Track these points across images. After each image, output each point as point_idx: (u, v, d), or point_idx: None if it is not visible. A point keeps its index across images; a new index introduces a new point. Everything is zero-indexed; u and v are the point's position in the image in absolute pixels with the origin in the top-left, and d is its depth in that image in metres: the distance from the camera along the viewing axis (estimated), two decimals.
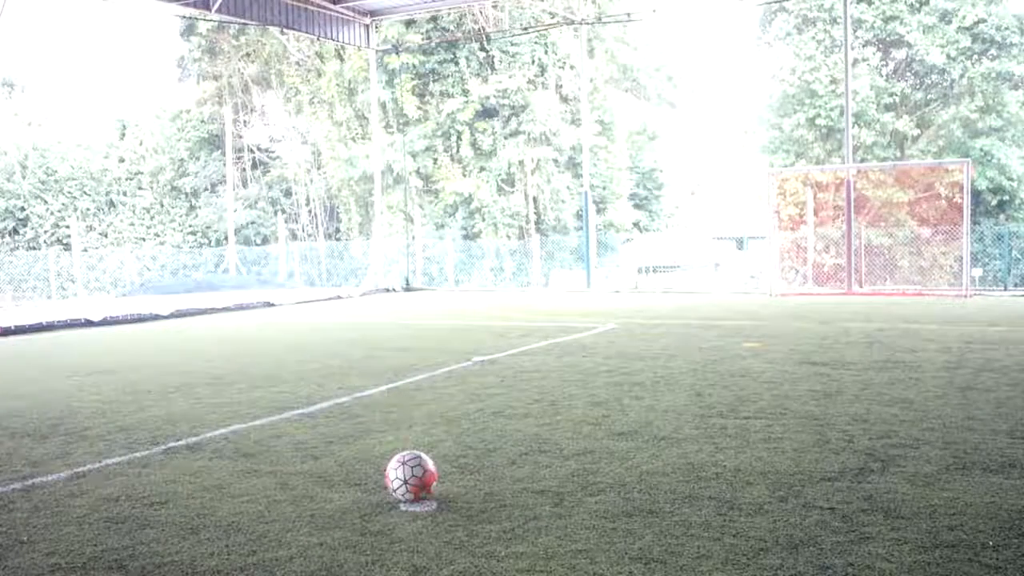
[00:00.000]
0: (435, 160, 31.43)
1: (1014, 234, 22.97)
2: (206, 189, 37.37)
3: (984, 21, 27.75)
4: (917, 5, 28.71)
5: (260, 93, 38.05)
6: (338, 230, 35.91)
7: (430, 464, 4.70)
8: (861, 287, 20.23)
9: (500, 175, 31.02)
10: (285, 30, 26.98)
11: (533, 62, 30.98)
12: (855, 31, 28.23)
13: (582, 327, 13.31)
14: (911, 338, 11.02)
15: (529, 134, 30.82)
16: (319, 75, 33.89)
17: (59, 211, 37.37)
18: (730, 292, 21.33)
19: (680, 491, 4.68)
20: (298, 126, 37.01)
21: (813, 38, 29.80)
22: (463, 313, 17.15)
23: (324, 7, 23.29)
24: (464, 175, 31.18)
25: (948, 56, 28.22)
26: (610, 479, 4.94)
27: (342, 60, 32.56)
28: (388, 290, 24.54)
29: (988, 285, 22.09)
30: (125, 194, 38.07)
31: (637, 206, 35.60)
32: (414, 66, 30.72)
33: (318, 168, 35.94)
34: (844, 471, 4.98)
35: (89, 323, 16.03)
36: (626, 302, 18.84)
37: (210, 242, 36.34)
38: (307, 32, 23.83)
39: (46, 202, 37.55)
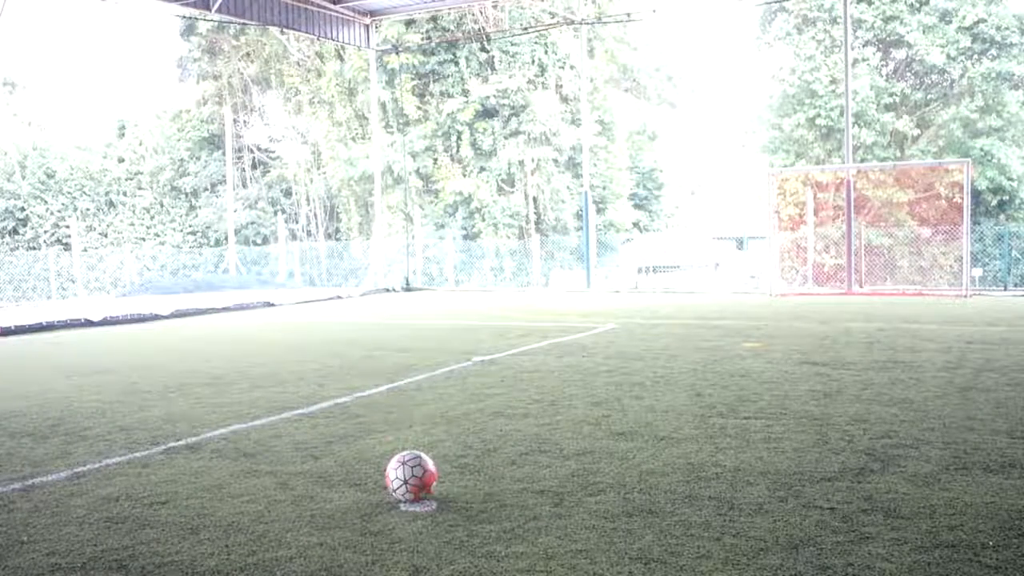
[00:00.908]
0: (435, 160, 31.44)
1: (1014, 234, 22.98)
2: (206, 189, 37.38)
3: (984, 21, 27.77)
4: (917, 5, 28.72)
5: (260, 93, 38.06)
6: (338, 230, 35.92)
7: (430, 464, 4.70)
8: (861, 287, 20.23)
9: (500, 175, 31.02)
10: (285, 30, 26.99)
11: (533, 62, 30.99)
12: (855, 31, 28.24)
13: (582, 327, 13.31)
14: (911, 338, 11.01)
15: (529, 134, 30.83)
16: (319, 75, 33.90)
17: (59, 211, 37.37)
18: (730, 292, 21.32)
19: (680, 491, 4.68)
20: (298, 126, 37.02)
21: (813, 38, 29.81)
22: (463, 313, 17.15)
23: (324, 7, 23.29)
24: (464, 175, 31.18)
25: (948, 56, 28.23)
26: (610, 479, 4.94)
27: (342, 60, 32.57)
28: (388, 290, 24.54)
29: (988, 285, 22.10)
30: (125, 194, 38.08)
31: (637, 206, 35.60)
32: (414, 66, 30.72)
33: (318, 168, 35.94)
34: (844, 471, 4.98)
35: (89, 323, 16.02)
36: (626, 302, 18.84)
37: (210, 242, 36.35)
38: (307, 32, 23.83)
39: (46, 202, 37.55)
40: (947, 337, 11.05)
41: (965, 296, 18.16)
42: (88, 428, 6.76)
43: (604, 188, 32.12)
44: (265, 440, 6.17)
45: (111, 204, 38.16)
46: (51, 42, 58.55)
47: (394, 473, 4.62)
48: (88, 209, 37.67)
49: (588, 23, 28.32)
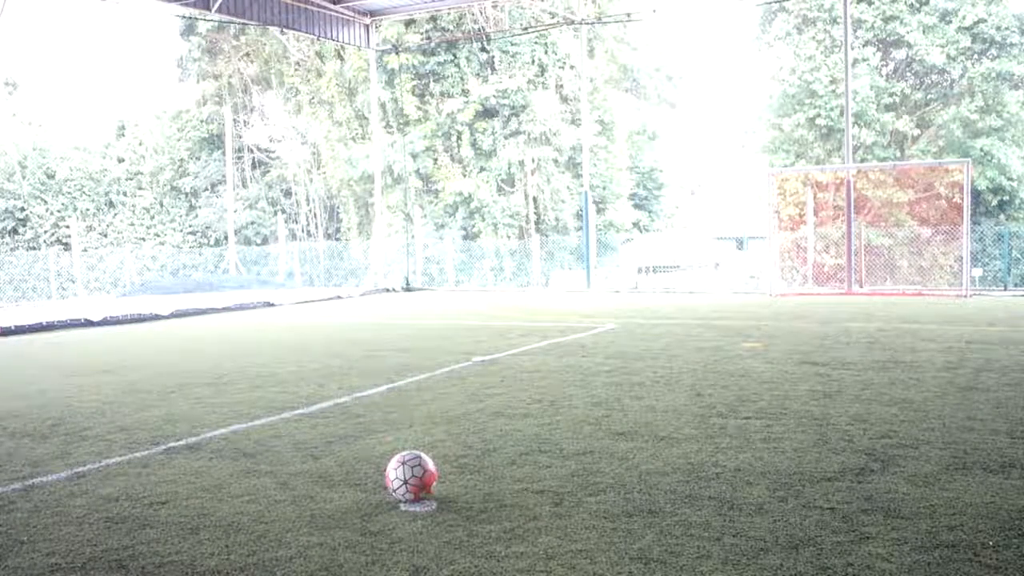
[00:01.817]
0: (435, 160, 31.43)
1: (1014, 234, 22.99)
2: (206, 189, 37.38)
3: (984, 21, 27.77)
4: (917, 5, 28.73)
5: (260, 93, 38.07)
6: (338, 230, 35.93)
7: (430, 464, 4.70)
8: (861, 287, 20.23)
9: (500, 175, 31.02)
10: (285, 30, 26.98)
11: (533, 62, 30.98)
12: (855, 31, 28.23)
13: (582, 327, 13.31)
14: (911, 338, 11.01)
15: (529, 134, 30.83)
16: (319, 75, 33.90)
17: (59, 211, 37.37)
18: (730, 292, 21.32)
19: (680, 491, 4.68)
20: (298, 126, 37.02)
21: (813, 38, 29.81)
22: (463, 313, 17.14)
23: (324, 7, 23.30)
24: (464, 175, 31.18)
25: (948, 56, 28.24)
26: (610, 479, 4.94)
27: (342, 60, 32.56)
28: (388, 290, 24.53)
29: (988, 285, 22.10)
30: (125, 194, 38.08)
31: (637, 206, 35.60)
32: (414, 66, 30.72)
33: (318, 168, 35.95)
34: (844, 471, 4.98)
35: (89, 323, 16.03)
36: (626, 302, 18.84)
37: (210, 242, 36.36)
38: (307, 32, 23.83)
39: (46, 202, 37.55)
40: (947, 337, 11.05)
41: (965, 296, 18.16)
42: (88, 428, 6.76)
43: (604, 188, 32.12)
44: (265, 440, 6.17)
45: (111, 204, 38.16)
46: (51, 42, 58.56)
47: (394, 473, 4.62)
48: (88, 209, 37.67)
49: (588, 23, 28.31)
